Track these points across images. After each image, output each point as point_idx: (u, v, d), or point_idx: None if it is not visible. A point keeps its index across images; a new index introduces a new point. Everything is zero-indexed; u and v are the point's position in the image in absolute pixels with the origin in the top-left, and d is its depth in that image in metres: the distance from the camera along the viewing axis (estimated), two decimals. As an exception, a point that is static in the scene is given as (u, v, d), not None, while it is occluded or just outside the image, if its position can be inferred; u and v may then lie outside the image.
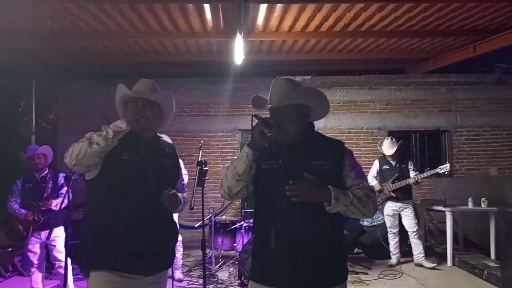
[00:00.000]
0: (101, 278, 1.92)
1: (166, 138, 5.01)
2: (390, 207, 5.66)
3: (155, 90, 2.17)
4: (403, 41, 6.13)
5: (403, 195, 5.58)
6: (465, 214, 6.38)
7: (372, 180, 5.77)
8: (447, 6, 4.77)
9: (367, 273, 5.23)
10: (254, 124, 1.76)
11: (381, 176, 5.74)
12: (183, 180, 2.38)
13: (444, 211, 5.83)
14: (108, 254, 1.93)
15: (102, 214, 1.98)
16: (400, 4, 4.68)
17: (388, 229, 5.72)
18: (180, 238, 4.95)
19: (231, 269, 5.09)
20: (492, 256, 5.56)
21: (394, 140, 5.77)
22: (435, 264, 5.50)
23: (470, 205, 5.82)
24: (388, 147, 5.68)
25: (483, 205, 5.72)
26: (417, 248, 5.58)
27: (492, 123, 7.40)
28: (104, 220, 1.96)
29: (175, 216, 4.87)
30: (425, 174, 5.55)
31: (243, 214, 5.76)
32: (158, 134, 2.29)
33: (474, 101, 7.43)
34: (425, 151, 7.48)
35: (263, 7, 4.76)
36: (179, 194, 2.14)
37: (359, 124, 7.38)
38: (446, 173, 5.43)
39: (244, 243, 5.09)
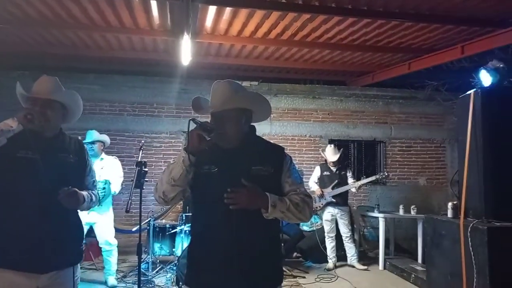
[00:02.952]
0: None
1: (95, 134, 4.75)
2: (329, 213, 5.89)
3: (57, 89, 2.13)
4: (346, 54, 6.42)
5: (341, 200, 5.88)
6: (396, 220, 6.78)
7: (313, 186, 5.96)
8: (387, 24, 5.07)
9: (304, 277, 5.34)
10: (192, 128, 1.71)
11: (321, 181, 5.96)
12: (93, 177, 2.32)
13: (378, 217, 6.15)
14: (1, 251, 1.90)
15: None
16: (343, 18, 4.89)
17: (326, 234, 5.92)
18: (115, 242, 4.73)
19: (169, 274, 4.93)
20: (419, 260, 5.94)
21: (336, 147, 6.04)
22: (366, 267, 5.81)
23: (401, 212, 6.19)
24: (331, 154, 5.93)
25: (413, 212, 6.10)
26: (350, 251, 5.91)
27: (422, 136, 7.98)
28: None
29: (110, 221, 4.69)
30: (362, 182, 5.88)
31: (184, 218, 5.62)
32: (62, 130, 2.22)
33: (407, 115, 7.96)
34: (362, 160, 7.86)
35: (212, 9, 4.73)
36: (84, 192, 2.12)
37: (303, 132, 7.58)
38: (383, 178, 5.82)
39: (184, 247, 4.97)
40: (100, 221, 4.60)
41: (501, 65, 3.68)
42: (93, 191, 2.25)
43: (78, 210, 2.19)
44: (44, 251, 1.94)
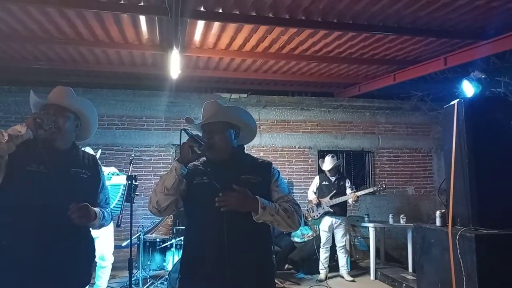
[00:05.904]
0: None
1: (88, 149, 4.67)
2: (327, 223, 5.83)
3: (70, 97, 2.05)
4: (332, 67, 6.53)
5: (339, 210, 5.82)
6: (386, 230, 6.82)
7: (310, 194, 6.00)
8: (371, 37, 5.19)
9: (296, 289, 5.33)
10: (184, 140, 1.81)
11: (320, 191, 5.94)
12: (106, 195, 2.21)
13: (368, 227, 6.18)
14: (5, 273, 1.76)
15: (2, 230, 1.80)
16: (330, 31, 4.99)
17: (322, 245, 5.85)
18: (112, 258, 4.64)
19: (160, 290, 4.87)
20: (410, 269, 5.97)
21: (334, 157, 6.01)
22: (353, 279, 5.78)
23: (391, 221, 6.23)
24: (327, 163, 5.93)
25: (402, 221, 6.13)
26: (341, 261, 5.89)
27: (409, 145, 8.10)
28: (3, 236, 1.79)
29: (112, 236, 4.56)
30: (359, 193, 5.83)
31: (174, 232, 5.58)
32: (76, 144, 2.13)
33: (394, 125, 8.09)
34: (351, 170, 7.93)
35: (200, 24, 4.79)
36: (97, 209, 2.00)
37: (292, 143, 7.63)
38: (380, 190, 5.87)
39: (175, 262, 4.92)
40: (102, 236, 4.48)
41: (482, 76, 3.78)
42: (106, 209, 2.13)
43: (90, 228, 2.08)
44: (52, 272, 1.82)
